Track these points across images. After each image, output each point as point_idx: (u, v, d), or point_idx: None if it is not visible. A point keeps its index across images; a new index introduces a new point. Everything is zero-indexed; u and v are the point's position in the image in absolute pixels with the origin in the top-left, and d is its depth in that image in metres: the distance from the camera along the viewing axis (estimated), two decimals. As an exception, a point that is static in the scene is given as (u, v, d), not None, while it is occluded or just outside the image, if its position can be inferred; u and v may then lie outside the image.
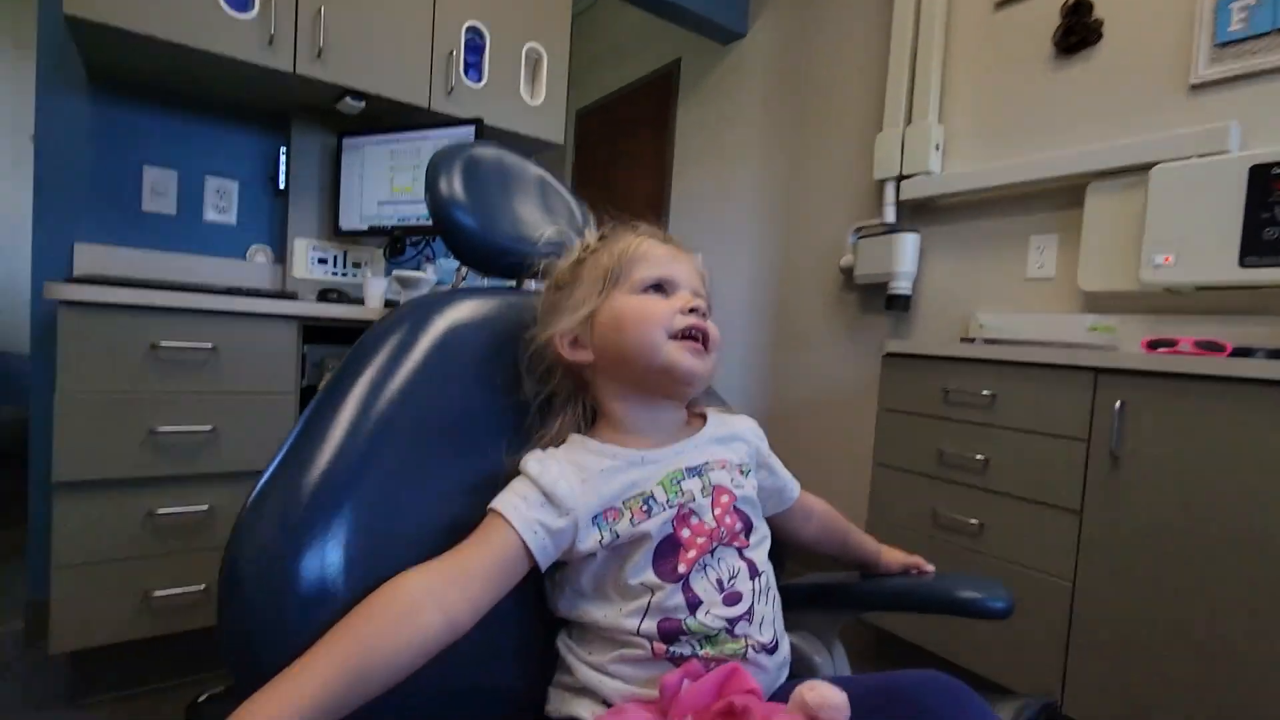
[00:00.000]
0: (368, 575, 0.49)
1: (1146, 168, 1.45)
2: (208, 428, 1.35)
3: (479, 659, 0.56)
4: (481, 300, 0.70)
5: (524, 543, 0.51)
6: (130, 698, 1.39)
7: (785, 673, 0.59)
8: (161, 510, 1.32)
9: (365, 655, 0.43)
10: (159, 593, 1.33)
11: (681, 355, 0.58)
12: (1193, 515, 1.12)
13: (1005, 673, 1.35)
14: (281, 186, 1.80)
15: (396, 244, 1.84)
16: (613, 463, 0.57)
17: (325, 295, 1.72)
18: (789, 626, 0.80)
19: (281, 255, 1.83)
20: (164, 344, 1.30)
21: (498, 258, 0.71)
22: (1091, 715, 1.22)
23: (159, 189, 1.69)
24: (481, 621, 0.56)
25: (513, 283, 0.76)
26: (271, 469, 0.50)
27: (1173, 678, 1.12)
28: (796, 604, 0.78)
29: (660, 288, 0.61)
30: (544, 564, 0.53)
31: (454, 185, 0.71)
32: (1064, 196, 1.69)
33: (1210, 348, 1.21)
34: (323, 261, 1.84)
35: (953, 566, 1.45)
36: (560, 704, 0.56)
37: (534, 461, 0.56)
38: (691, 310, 0.60)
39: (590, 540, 0.54)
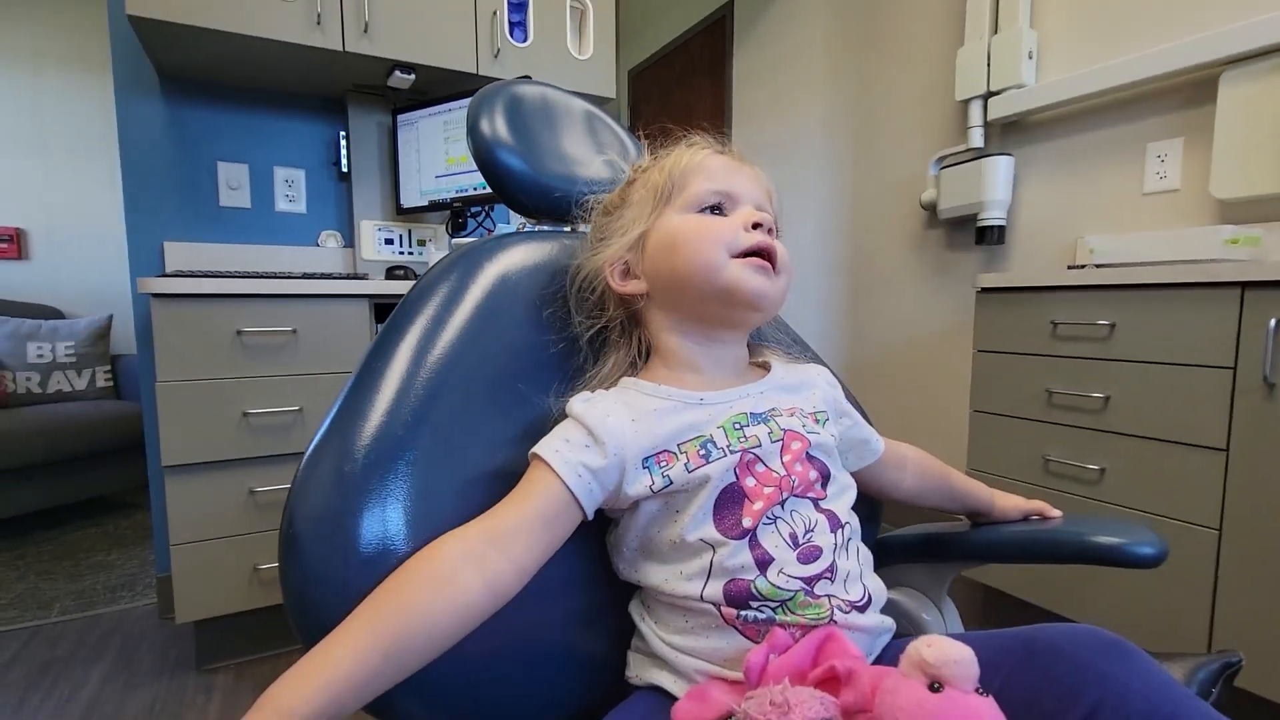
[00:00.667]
0: (428, 531, 0.46)
1: (1297, 44, 1.23)
2: (295, 407, 1.39)
3: (558, 618, 0.53)
4: (533, 243, 0.65)
5: (569, 489, 0.47)
6: (251, 663, 1.48)
7: (888, 635, 0.52)
8: (260, 488, 1.38)
9: (400, 627, 0.39)
10: (264, 566, 1.40)
11: (747, 274, 0.52)
12: (1375, 446, 0.95)
13: (1141, 634, 1.22)
14: (345, 170, 1.82)
15: (458, 218, 1.83)
16: (667, 403, 0.51)
17: (393, 273, 1.74)
18: (891, 583, 0.73)
19: (350, 238, 1.87)
20: (249, 329, 1.34)
21: (547, 198, 0.66)
22: (1249, 683, 1.08)
23: (233, 183, 1.75)
24: (556, 584, 0.52)
25: (567, 227, 0.72)
26: (324, 429, 0.48)
27: (1352, 633, 0.97)
28: (900, 559, 0.71)
29: (719, 207, 0.54)
30: (589, 509, 0.48)
31: (496, 125, 0.67)
32: (1189, 93, 1.46)
33: (1392, 247, 1.02)
34: (389, 242, 1.86)
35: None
36: (641, 670, 0.51)
37: (579, 401, 0.51)
38: (756, 226, 0.53)
39: (640, 485, 0.48)
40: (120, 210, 2.76)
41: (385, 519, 0.45)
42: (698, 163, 0.55)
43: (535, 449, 0.49)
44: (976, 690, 0.35)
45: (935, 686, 0.35)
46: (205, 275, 1.40)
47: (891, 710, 0.35)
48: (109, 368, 2.74)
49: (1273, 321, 1.03)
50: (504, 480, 0.50)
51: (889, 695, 0.36)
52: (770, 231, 0.54)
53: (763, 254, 0.53)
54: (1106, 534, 0.56)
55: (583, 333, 0.58)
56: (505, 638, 0.49)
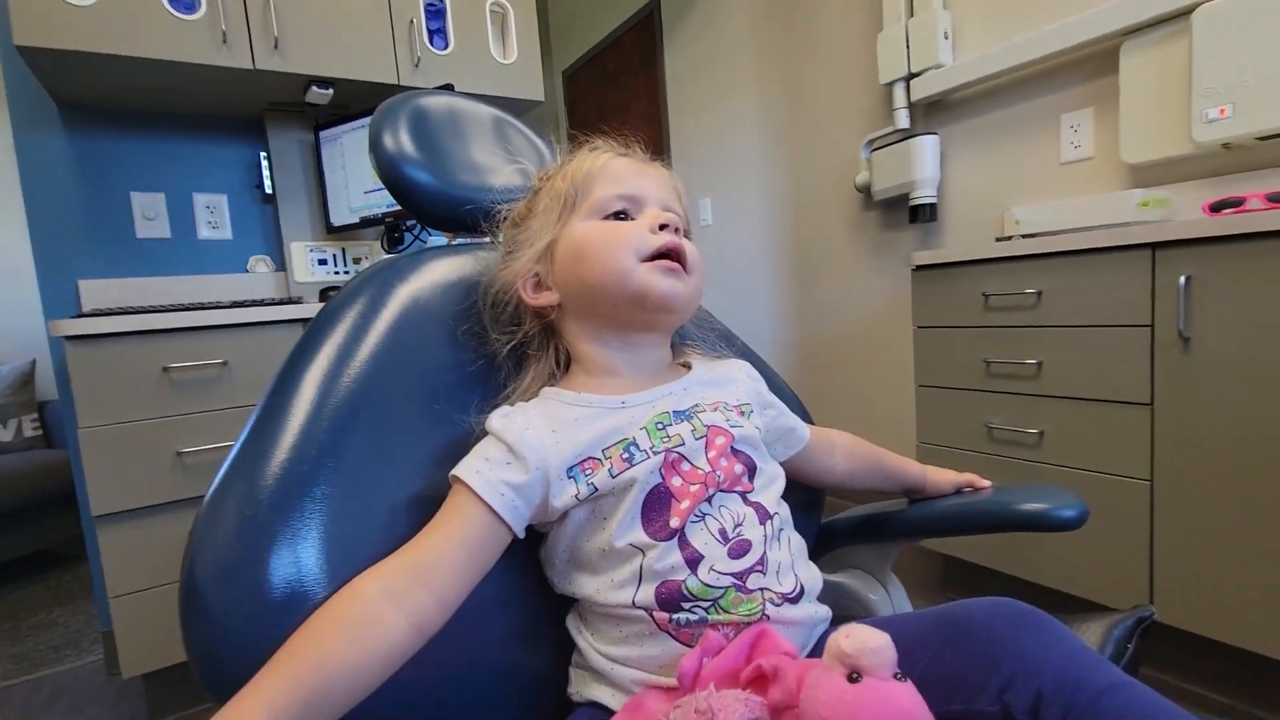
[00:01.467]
0: (346, 569, 0.44)
1: (1187, 12, 1.29)
2: (231, 443, 1.33)
3: (495, 638, 0.51)
4: (449, 258, 0.64)
5: (492, 510, 0.45)
6: (205, 711, 1.42)
7: (824, 624, 0.52)
8: (202, 530, 1.32)
9: (320, 677, 0.37)
10: (214, 609, 1.35)
11: (656, 278, 0.51)
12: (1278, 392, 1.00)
13: (1089, 586, 1.26)
14: (269, 192, 1.76)
15: (393, 233, 1.79)
16: (589, 410, 0.50)
17: (327, 295, 1.69)
18: (836, 567, 0.74)
19: (281, 262, 1.81)
20: (175, 365, 1.28)
21: (458, 211, 0.65)
22: (1185, 620, 1.13)
23: (149, 213, 1.67)
24: (492, 602, 0.51)
25: (485, 239, 0.70)
26: (223, 472, 0.46)
27: (1274, 572, 1.02)
28: (842, 541, 0.72)
29: (624, 212, 0.54)
30: (518, 528, 0.47)
31: (400, 138, 0.65)
32: (1095, 64, 1.52)
33: (1284, 200, 1.07)
34: (323, 262, 1.80)
35: (1017, 481, 1.36)
36: (581, 686, 0.50)
37: (498, 417, 0.50)
38: (663, 227, 0.52)
39: (566, 495, 0.47)
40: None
41: (297, 561, 0.43)
42: (600, 167, 0.55)
43: (455, 471, 0.47)
44: (895, 676, 0.35)
45: (854, 676, 0.35)
46: (124, 312, 1.33)
47: (814, 704, 0.35)
48: (36, 415, 2.60)
49: (1182, 278, 1.08)
50: (427, 507, 0.48)
51: (811, 690, 0.36)
52: (678, 231, 0.54)
53: (671, 255, 0.52)
54: (1031, 501, 0.58)
55: (500, 349, 0.57)
56: (440, 661, 0.48)
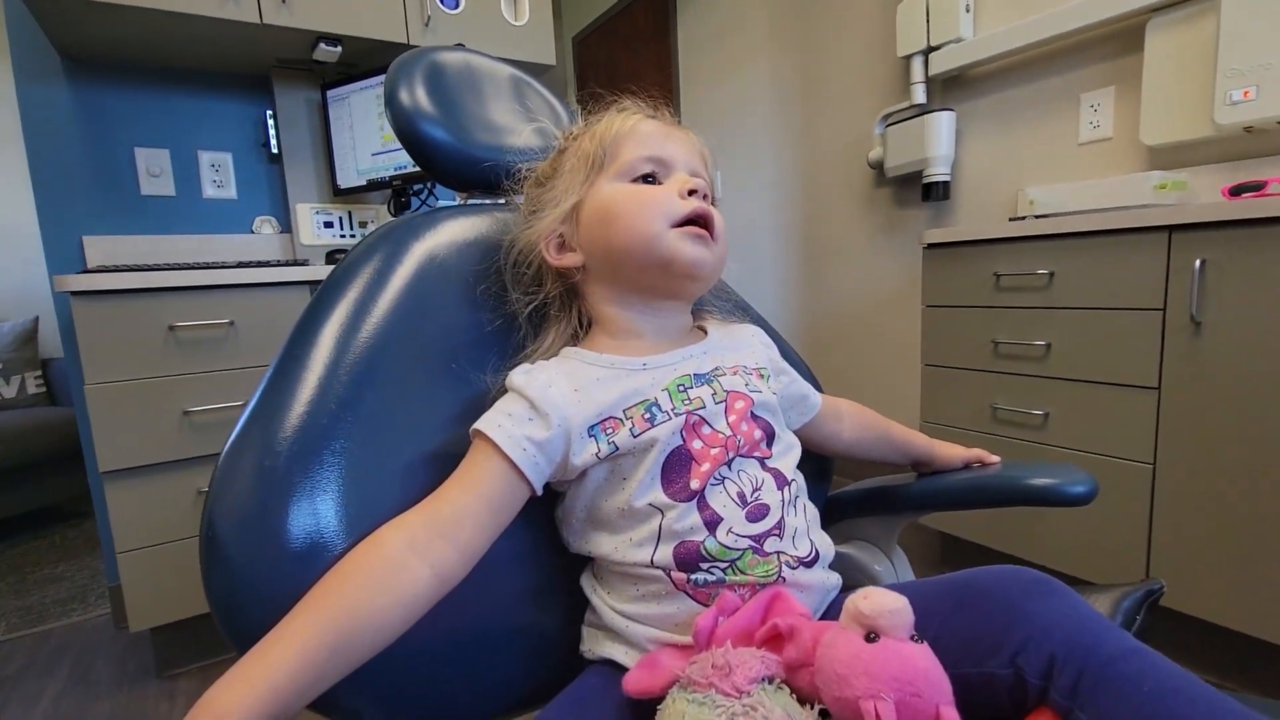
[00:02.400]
0: (365, 522, 0.45)
1: (1217, -11, 1.26)
2: (238, 402, 1.34)
3: (506, 596, 0.52)
4: (465, 218, 0.63)
5: (514, 465, 0.46)
6: (214, 665, 1.45)
7: (835, 591, 0.53)
8: (208, 488, 1.33)
9: (346, 622, 0.38)
10: (220, 566, 1.36)
11: (684, 244, 0.51)
12: (1292, 376, 1.00)
13: (1086, 568, 1.28)
14: (275, 151, 1.73)
15: (400, 196, 1.77)
16: (610, 370, 0.50)
17: (333, 258, 1.68)
18: (843, 538, 0.74)
19: (287, 223, 1.79)
20: (181, 324, 1.28)
21: (475, 170, 0.64)
22: (1185, 602, 1.14)
23: (154, 170, 1.65)
24: (504, 560, 0.52)
25: (500, 199, 0.69)
26: (241, 423, 0.46)
27: (1272, 557, 1.03)
28: (850, 513, 0.72)
29: (653, 175, 0.53)
30: (537, 485, 0.47)
31: (416, 95, 0.63)
32: (1118, 42, 1.49)
33: (1306, 185, 1.06)
34: (329, 225, 1.79)
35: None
36: (594, 644, 0.51)
37: (519, 373, 0.50)
38: (692, 193, 0.51)
39: (586, 453, 0.47)
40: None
41: (315, 513, 0.44)
42: (629, 128, 0.54)
43: (476, 425, 0.47)
44: (911, 638, 0.36)
45: (871, 637, 0.35)
46: (129, 269, 1.33)
47: (830, 662, 0.35)
48: (39, 373, 2.60)
49: (1198, 262, 1.07)
50: (444, 463, 0.49)
51: (828, 648, 0.36)
52: (706, 197, 0.53)
53: (700, 221, 0.51)
54: (1042, 476, 0.58)
55: (521, 309, 0.57)
56: (453, 621, 0.48)
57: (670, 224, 0.51)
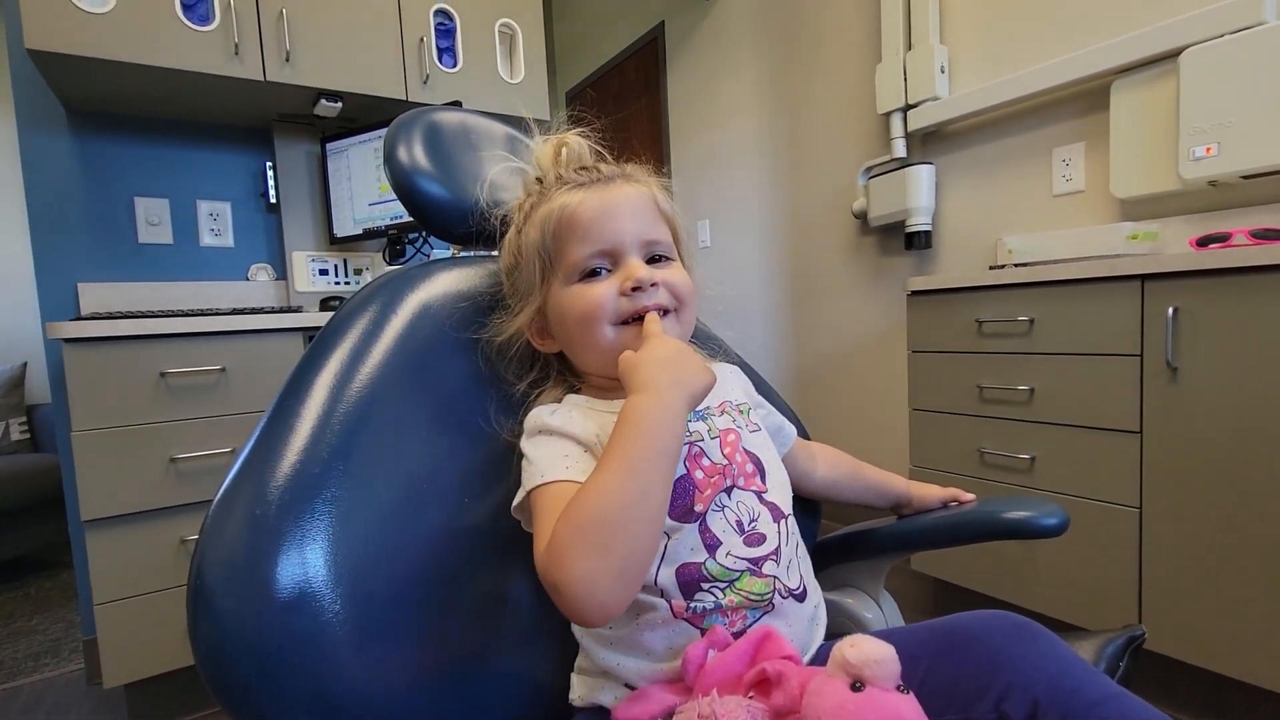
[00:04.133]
0: (352, 569, 0.45)
1: (1175, 54, 1.33)
2: (227, 449, 1.33)
3: (497, 645, 0.52)
4: (459, 269, 0.65)
5: None
6: (188, 724, 1.40)
7: (820, 631, 0.54)
8: (192, 536, 1.31)
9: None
10: (200, 618, 1.33)
11: (632, 342, 0.51)
12: (1265, 421, 1.02)
13: (1078, 612, 1.27)
14: (273, 201, 1.77)
15: (394, 245, 1.80)
16: (615, 416, 0.52)
17: (328, 304, 1.70)
18: (831, 585, 0.74)
19: (283, 271, 1.81)
20: (173, 371, 1.28)
21: (468, 223, 0.66)
22: (1175, 647, 1.14)
23: (153, 219, 1.68)
24: (496, 606, 0.52)
25: (494, 251, 0.71)
26: (234, 472, 0.46)
27: (1259, 600, 1.03)
28: (834, 558, 0.73)
29: (599, 269, 0.53)
30: None
31: (415, 152, 0.66)
32: (1086, 100, 1.57)
33: (1268, 236, 1.11)
34: (324, 272, 1.81)
35: (1007, 506, 1.36)
36: (584, 691, 0.51)
37: (550, 415, 0.51)
38: (636, 289, 0.52)
39: None
40: (29, 250, 2.62)
41: (305, 562, 0.44)
42: (568, 220, 0.53)
43: (542, 478, 0.47)
44: (898, 688, 0.36)
45: (857, 686, 0.35)
46: (123, 316, 1.33)
47: (816, 711, 0.35)
48: (24, 419, 2.58)
49: (1170, 310, 1.10)
50: (437, 510, 0.49)
51: (814, 696, 0.36)
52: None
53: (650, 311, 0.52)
54: (1016, 510, 0.60)
55: (520, 389, 0.58)
56: (442, 665, 0.48)
57: (615, 324, 0.52)
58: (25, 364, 2.65)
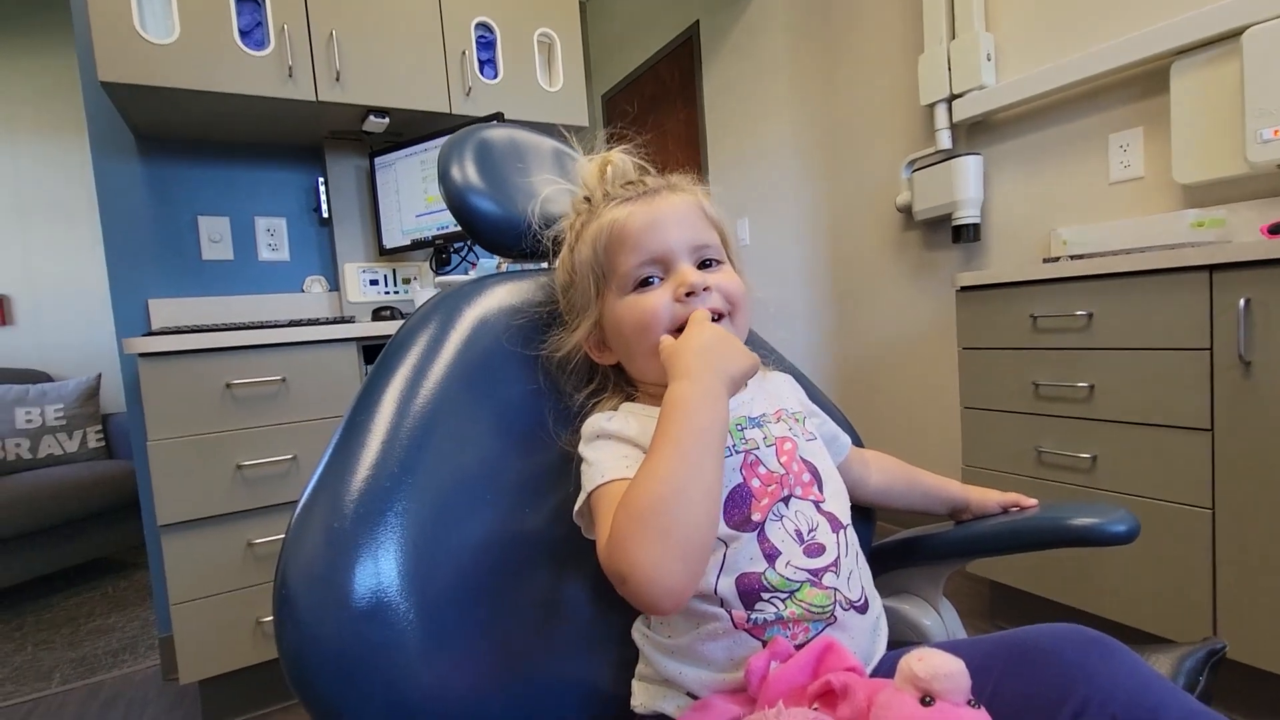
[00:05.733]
0: (423, 577, 0.47)
1: (1237, 33, 1.27)
2: (289, 456, 1.39)
3: (559, 650, 0.53)
4: (513, 283, 0.67)
5: None
6: (259, 718, 1.46)
7: (882, 642, 0.53)
8: (258, 540, 1.38)
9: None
10: (266, 619, 1.39)
11: None
12: (1353, 416, 0.96)
13: (1147, 617, 1.22)
14: (325, 215, 1.84)
15: (441, 255, 1.85)
16: None
17: (379, 314, 1.75)
18: (889, 592, 0.73)
19: (335, 282, 1.88)
20: (237, 382, 1.35)
21: (519, 237, 0.68)
22: (1255, 655, 1.08)
23: (215, 236, 1.76)
24: (557, 612, 0.53)
25: (544, 264, 0.73)
26: (311, 485, 0.49)
27: (1350, 603, 0.98)
28: (892, 564, 0.72)
29: (652, 278, 0.54)
30: None
31: (467, 171, 0.68)
32: (1144, 83, 1.50)
33: (1350, 221, 1.04)
34: (374, 283, 1.87)
35: (1066, 507, 1.32)
36: (645, 698, 0.52)
37: (608, 420, 0.52)
38: (689, 294, 0.52)
39: None
40: (103, 269, 2.77)
41: (379, 572, 0.46)
42: (618, 233, 0.54)
43: (600, 478, 0.48)
44: (968, 702, 0.36)
45: (927, 700, 0.35)
46: (191, 330, 1.40)
47: (885, 725, 0.35)
48: (100, 428, 2.73)
49: (1242, 301, 1.05)
50: (501, 517, 0.51)
51: (883, 711, 0.36)
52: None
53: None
54: (1081, 516, 0.57)
55: (580, 399, 0.60)
56: (507, 669, 0.50)
57: (670, 330, 0.53)
58: (100, 375, 2.81)
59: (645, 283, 0.54)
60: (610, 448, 0.50)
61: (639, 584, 0.39)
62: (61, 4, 2.94)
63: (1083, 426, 1.30)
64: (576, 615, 0.55)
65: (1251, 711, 1.15)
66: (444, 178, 0.67)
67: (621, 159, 0.61)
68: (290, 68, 1.51)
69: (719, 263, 0.56)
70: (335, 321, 1.54)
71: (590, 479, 0.49)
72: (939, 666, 0.35)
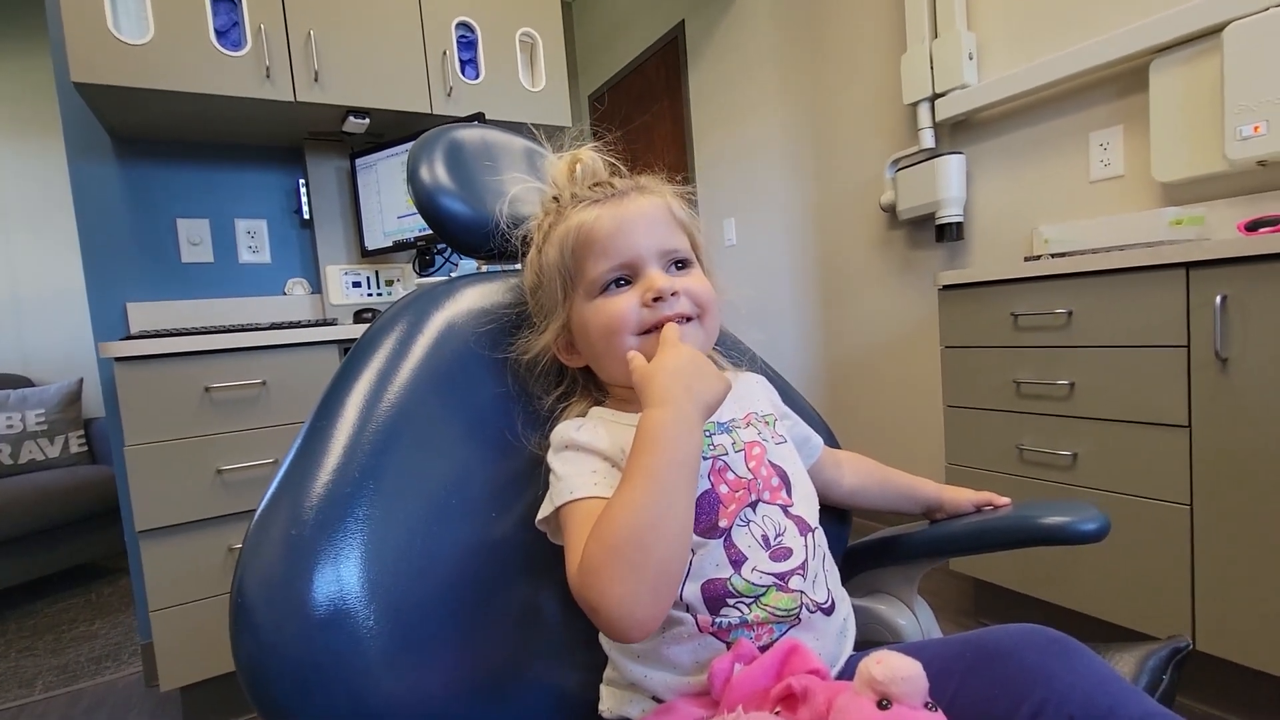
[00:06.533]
0: (388, 590, 0.46)
1: (1218, 29, 1.28)
2: (269, 460, 1.38)
3: (527, 656, 0.53)
4: (484, 285, 0.66)
5: None
6: (241, 725, 1.45)
7: (849, 643, 0.53)
8: (239, 545, 1.36)
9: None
10: (249, 624, 1.38)
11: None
12: (1327, 411, 0.97)
13: (1127, 612, 1.23)
14: (306, 217, 1.82)
15: (424, 256, 1.84)
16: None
17: (361, 316, 1.74)
18: (864, 592, 0.73)
19: (317, 284, 1.86)
20: (217, 385, 1.33)
21: (490, 238, 0.67)
22: (1231, 649, 1.09)
23: (194, 239, 1.74)
24: (525, 618, 0.53)
25: (516, 265, 0.72)
26: (270, 492, 0.48)
27: (1325, 597, 0.99)
28: (866, 564, 0.72)
29: (621, 280, 0.53)
30: None
31: (436, 171, 0.67)
32: (1123, 81, 1.51)
33: (1323, 218, 1.05)
34: (356, 285, 1.86)
35: (1048, 504, 1.33)
36: (613, 703, 0.51)
37: (576, 430, 0.51)
38: (658, 300, 0.52)
39: None
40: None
41: (340, 579, 0.45)
42: (585, 237, 0.53)
43: (569, 494, 0.47)
44: (926, 705, 0.35)
45: (884, 704, 0.35)
46: (169, 334, 1.39)
47: (843, 729, 0.35)
48: (82, 433, 2.70)
49: (1218, 298, 1.06)
50: (465, 524, 0.50)
51: (840, 714, 0.36)
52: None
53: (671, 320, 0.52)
54: (1053, 515, 0.58)
55: (549, 403, 0.59)
56: (474, 676, 0.49)
57: (637, 334, 0.52)
58: (81, 380, 2.78)
59: (616, 283, 0.53)
60: (580, 461, 0.49)
61: (609, 616, 0.39)
62: (37, 5, 2.90)
63: (1063, 424, 1.31)
64: (545, 621, 0.54)
65: (1228, 705, 1.16)
66: (413, 178, 0.66)
67: (591, 157, 0.60)
68: (268, 68, 1.49)
69: (688, 264, 0.56)
70: (316, 324, 1.52)
71: (559, 494, 0.48)
72: (897, 670, 0.35)
